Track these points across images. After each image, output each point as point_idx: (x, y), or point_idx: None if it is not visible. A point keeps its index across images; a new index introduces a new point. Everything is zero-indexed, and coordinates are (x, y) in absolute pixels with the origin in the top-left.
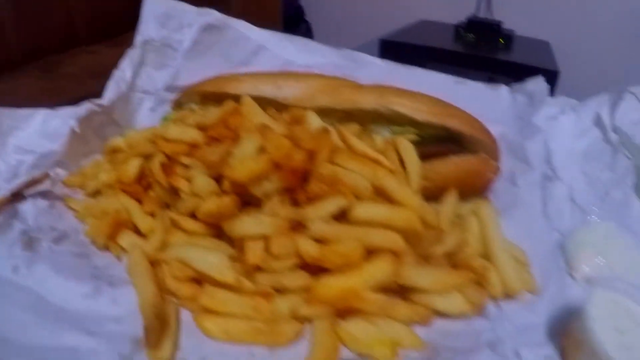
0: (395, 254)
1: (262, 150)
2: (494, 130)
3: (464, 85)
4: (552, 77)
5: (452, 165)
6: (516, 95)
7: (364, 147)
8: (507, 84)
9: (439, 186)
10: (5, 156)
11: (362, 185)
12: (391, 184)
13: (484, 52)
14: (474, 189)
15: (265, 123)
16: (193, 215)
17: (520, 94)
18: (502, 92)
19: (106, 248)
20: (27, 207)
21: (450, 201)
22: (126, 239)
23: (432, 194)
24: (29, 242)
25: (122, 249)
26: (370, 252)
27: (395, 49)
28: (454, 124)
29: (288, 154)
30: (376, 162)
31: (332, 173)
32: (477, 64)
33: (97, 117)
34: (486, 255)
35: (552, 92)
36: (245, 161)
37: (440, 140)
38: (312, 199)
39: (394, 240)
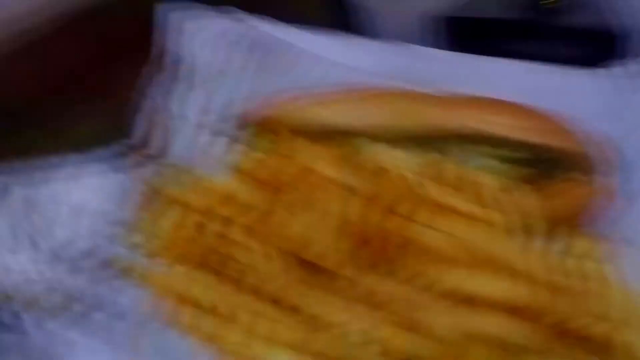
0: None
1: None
2: (597, 133)
3: (544, 74)
4: None
5: (564, 197)
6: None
7: (470, 206)
8: (602, 59)
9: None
10: None
11: (461, 250)
12: (505, 249)
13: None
14: (585, 221)
15: (347, 182)
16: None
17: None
18: (599, 79)
19: None
20: None
21: (565, 246)
22: None
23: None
24: None
25: None
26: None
27: (457, 26)
28: (558, 141)
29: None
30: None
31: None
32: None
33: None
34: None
35: None
36: (325, 238)
37: (547, 166)
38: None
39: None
